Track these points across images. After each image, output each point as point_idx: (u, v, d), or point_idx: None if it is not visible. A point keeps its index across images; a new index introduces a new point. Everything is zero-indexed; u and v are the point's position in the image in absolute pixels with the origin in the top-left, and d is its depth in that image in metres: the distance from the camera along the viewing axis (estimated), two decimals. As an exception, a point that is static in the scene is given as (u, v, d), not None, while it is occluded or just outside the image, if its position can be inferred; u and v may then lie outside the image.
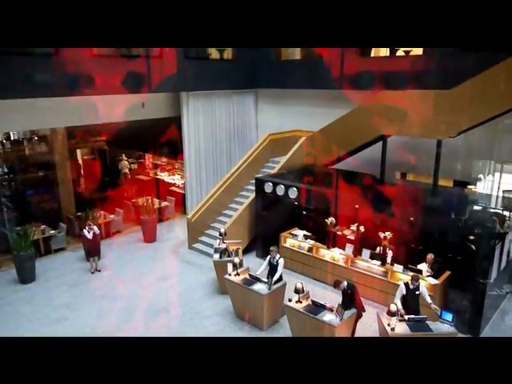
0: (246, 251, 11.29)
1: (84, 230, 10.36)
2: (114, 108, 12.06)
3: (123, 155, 17.43)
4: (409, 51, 12.88)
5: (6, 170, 13.58)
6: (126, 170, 17.18)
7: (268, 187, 10.58)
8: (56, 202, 13.33)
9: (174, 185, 15.86)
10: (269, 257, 8.65)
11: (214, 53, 14.47)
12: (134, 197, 15.26)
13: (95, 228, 10.42)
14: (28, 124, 11.38)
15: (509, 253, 9.16)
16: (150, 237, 12.38)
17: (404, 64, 11.64)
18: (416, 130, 10.09)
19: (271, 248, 8.58)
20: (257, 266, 10.71)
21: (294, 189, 10.04)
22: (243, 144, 15.37)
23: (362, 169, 11.78)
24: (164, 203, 14.12)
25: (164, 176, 16.57)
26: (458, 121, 9.49)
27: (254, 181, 12.69)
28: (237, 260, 8.58)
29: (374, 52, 13.61)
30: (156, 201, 13.99)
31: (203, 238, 11.97)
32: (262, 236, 11.26)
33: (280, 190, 10.32)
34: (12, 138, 13.02)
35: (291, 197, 10.13)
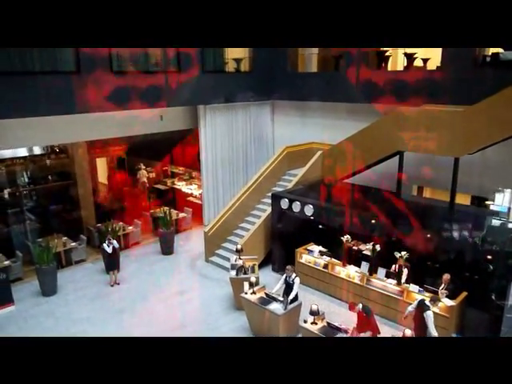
0: (261, 265, 11.44)
1: (104, 245, 10.61)
2: (132, 122, 12.33)
3: (141, 164, 17.71)
4: (425, 63, 12.87)
5: (27, 180, 13.99)
6: (144, 179, 17.45)
7: (284, 203, 10.68)
8: (77, 213, 13.65)
9: (191, 195, 16.06)
10: (285, 275, 8.75)
11: (230, 64, 14.62)
12: (152, 207, 15.56)
13: (115, 242, 10.66)
14: (51, 139, 11.70)
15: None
16: (167, 249, 12.59)
17: (421, 78, 11.62)
18: (433, 147, 10.07)
19: (287, 267, 8.69)
20: (272, 280, 10.91)
21: (310, 206, 10.11)
22: (260, 155, 15.50)
23: (378, 182, 11.80)
24: (181, 214, 14.33)
25: (181, 186, 16.78)
26: (475, 139, 9.46)
27: (270, 194, 12.86)
28: (253, 279, 8.70)
29: (390, 65, 13.62)
30: (174, 212, 14.18)
31: (220, 251, 12.13)
32: (278, 250, 11.37)
33: (296, 207, 10.40)
34: (34, 152, 13.36)
35: (307, 214, 10.21)
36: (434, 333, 7.25)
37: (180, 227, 14.23)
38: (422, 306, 7.47)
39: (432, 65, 12.61)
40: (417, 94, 11.34)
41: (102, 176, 18.13)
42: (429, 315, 7.30)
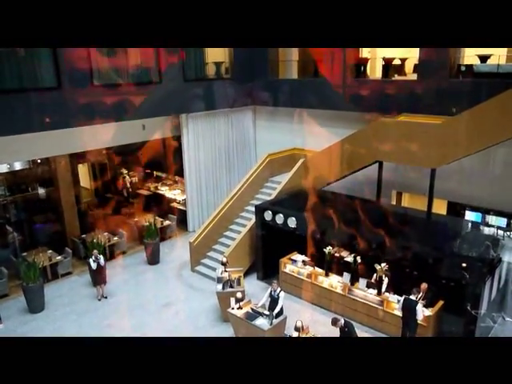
0: (247, 273, 11.71)
1: (90, 260, 10.68)
2: (115, 132, 12.32)
3: (124, 170, 17.69)
4: (400, 70, 13.19)
5: (6, 192, 13.91)
6: (128, 185, 17.44)
7: (267, 215, 10.92)
8: (60, 223, 13.65)
9: (174, 200, 16.15)
10: (270, 289, 9.03)
11: (211, 67, 14.63)
12: (137, 214, 15.60)
13: (101, 258, 10.75)
14: (33, 154, 11.72)
15: (500, 279, 9.55)
16: (153, 259, 12.74)
17: (398, 87, 11.92)
18: (410, 158, 10.40)
19: (273, 282, 8.98)
20: (257, 288, 11.22)
21: (293, 218, 10.38)
22: (242, 160, 15.70)
23: (358, 188, 12.12)
24: (166, 222, 14.44)
25: (165, 191, 16.86)
26: (452, 151, 9.81)
27: (253, 201, 13.10)
28: (239, 295, 8.95)
29: (370, 74, 13.87)
30: (158, 220, 14.29)
31: (205, 261, 12.34)
32: (263, 259, 11.63)
33: (279, 219, 10.66)
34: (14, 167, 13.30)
35: (290, 226, 10.48)
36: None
37: (165, 235, 14.34)
38: (408, 303, 8.32)
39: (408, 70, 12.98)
40: (394, 103, 11.66)
41: (85, 182, 18.05)
42: (419, 307, 8.26)
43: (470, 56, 12.02)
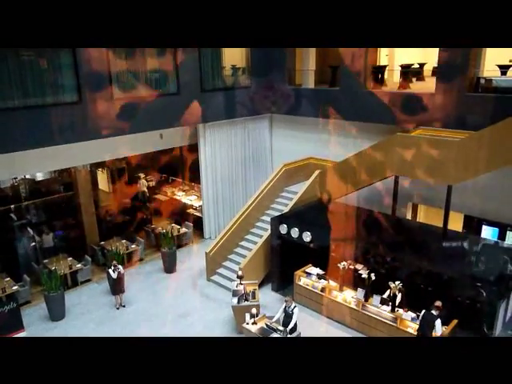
0: (262, 284, 11.89)
1: (110, 270, 10.95)
2: (134, 142, 12.56)
3: (141, 174, 17.98)
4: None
5: (28, 195, 14.34)
6: (145, 189, 17.73)
7: (283, 228, 11.04)
8: (80, 230, 13.99)
9: (191, 207, 16.37)
10: (284, 305, 9.16)
11: (227, 77, 14.76)
12: (154, 219, 15.89)
13: (120, 267, 11.01)
14: (62, 164, 12.14)
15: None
16: (170, 267, 12.97)
17: (418, 100, 11.85)
18: (428, 174, 10.36)
19: (286, 298, 9.12)
20: (272, 299, 11.38)
21: (308, 233, 10.48)
22: (258, 168, 15.83)
23: (375, 198, 12.11)
24: (182, 230, 14.66)
25: (181, 196, 17.09)
26: (470, 169, 9.76)
27: (269, 211, 13.24)
28: (254, 310, 9.11)
29: (388, 78, 13.85)
30: (175, 227, 14.52)
31: (221, 270, 12.52)
32: (278, 270, 11.76)
33: (294, 233, 10.77)
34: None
35: (305, 240, 10.58)
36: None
37: (181, 242, 14.57)
38: (429, 317, 8.44)
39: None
40: (412, 114, 11.62)
41: (103, 185, 18.45)
42: (438, 322, 8.32)
43: (489, 70, 11.92)
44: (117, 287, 11.08)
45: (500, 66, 12.17)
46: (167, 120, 12.62)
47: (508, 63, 11.99)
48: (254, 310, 9.11)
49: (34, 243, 13.01)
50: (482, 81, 11.34)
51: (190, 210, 16.21)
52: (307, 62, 14.86)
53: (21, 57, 9.93)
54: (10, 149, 9.78)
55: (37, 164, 11.23)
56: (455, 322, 9.00)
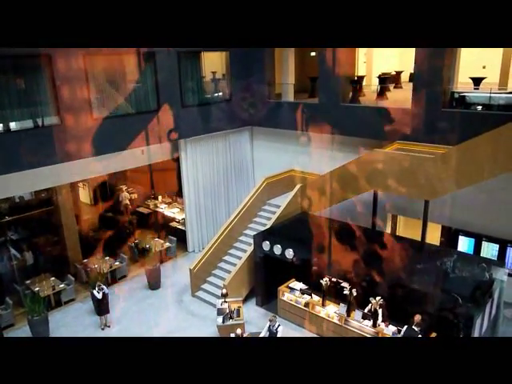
0: (246, 298, 12.03)
1: (94, 291, 10.95)
2: (115, 159, 12.54)
3: (123, 186, 17.90)
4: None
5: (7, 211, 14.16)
6: (127, 201, 17.65)
7: (265, 245, 11.20)
8: (62, 247, 13.88)
9: (173, 219, 16.40)
10: (268, 324, 9.34)
11: (207, 85, 14.85)
12: (136, 233, 15.85)
13: (104, 288, 11.02)
14: (48, 183, 11.98)
15: (492, 306, 9.84)
16: (154, 284, 13.01)
17: (394, 115, 12.12)
18: (405, 190, 10.66)
19: (270, 318, 9.30)
20: (256, 315, 11.55)
21: (290, 250, 10.66)
22: (240, 180, 15.98)
23: (354, 209, 12.36)
24: (166, 244, 14.69)
25: (164, 209, 17.10)
26: (444, 185, 10.09)
27: (252, 225, 13.40)
28: (239, 331, 9.25)
29: (366, 84, 14.16)
30: (158, 242, 14.54)
31: (205, 286, 12.62)
32: (261, 285, 11.92)
33: (277, 250, 10.95)
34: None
35: (288, 257, 10.76)
36: None
37: (165, 256, 14.61)
38: (412, 334, 8.76)
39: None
40: (387, 130, 11.88)
41: (85, 198, 18.28)
42: None
43: (463, 82, 12.29)
44: (102, 308, 11.08)
45: (473, 79, 12.60)
46: (146, 138, 12.64)
47: (481, 75, 12.42)
48: (238, 331, 9.25)
49: (15, 262, 12.86)
50: (456, 95, 11.66)
51: (173, 223, 16.24)
52: (286, 75, 15.02)
53: None
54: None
55: (18, 185, 11.07)
56: (433, 334, 9.31)
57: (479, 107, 10.98)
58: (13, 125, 10.42)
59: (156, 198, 18.09)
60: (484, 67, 16.06)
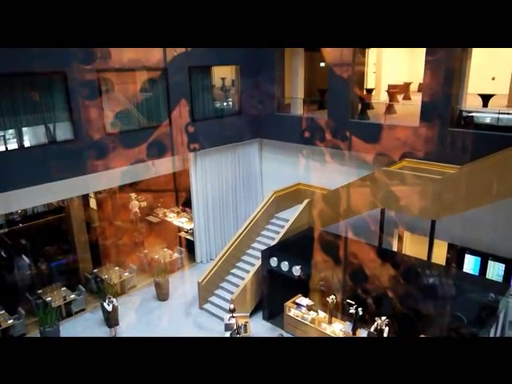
0: (253, 312, 12.20)
1: (104, 304, 11.18)
2: (126, 171, 12.77)
3: (132, 195, 18.14)
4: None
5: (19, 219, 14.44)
6: (136, 209, 17.89)
7: (273, 261, 11.36)
8: (72, 256, 14.13)
9: (182, 229, 16.60)
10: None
11: (218, 97, 15.06)
12: (146, 242, 16.09)
13: (114, 300, 11.24)
14: (61, 195, 12.28)
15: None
16: (163, 295, 13.21)
17: (403, 133, 12.22)
18: (411, 208, 10.76)
19: (278, 335, 9.46)
20: (263, 329, 11.69)
21: (297, 267, 10.82)
22: (249, 192, 16.16)
23: (363, 225, 12.46)
24: (175, 255, 14.90)
25: (172, 218, 17.31)
26: (450, 206, 10.19)
27: (260, 238, 13.58)
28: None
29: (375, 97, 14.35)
30: (167, 253, 14.76)
31: (213, 299, 12.80)
32: (268, 300, 12.08)
33: (284, 266, 11.10)
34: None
35: (295, 274, 10.92)
36: None
37: (174, 267, 14.81)
38: None
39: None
40: (396, 146, 12.01)
41: (95, 205, 18.51)
42: None
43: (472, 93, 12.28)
44: (112, 320, 11.31)
45: (482, 96, 12.68)
46: (159, 150, 12.90)
47: (490, 87, 12.48)
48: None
49: (28, 272, 13.13)
50: (464, 113, 11.74)
51: (182, 233, 16.44)
52: (296, 88, 15.19)
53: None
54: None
55: (31, 198, 11.34)
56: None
57: (487, 128, 11.06)
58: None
59: (165, 207, 18.30)
60: (493, 78, 16.14)
